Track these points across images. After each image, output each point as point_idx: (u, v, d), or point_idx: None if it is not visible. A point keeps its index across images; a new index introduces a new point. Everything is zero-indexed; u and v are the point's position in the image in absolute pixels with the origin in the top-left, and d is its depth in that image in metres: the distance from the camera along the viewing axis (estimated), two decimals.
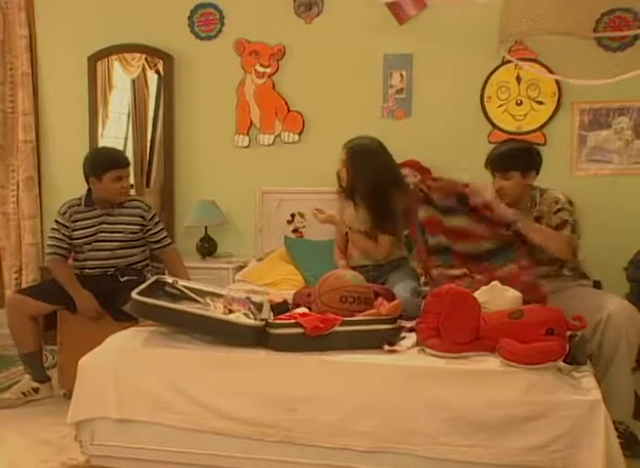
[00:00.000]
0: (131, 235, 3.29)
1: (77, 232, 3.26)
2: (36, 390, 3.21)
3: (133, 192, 4.45)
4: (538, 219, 2.78)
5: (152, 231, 3.37)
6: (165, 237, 3.43)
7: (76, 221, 3.26)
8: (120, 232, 3.27)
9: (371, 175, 3.17)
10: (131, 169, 3.50)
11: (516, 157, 2.83)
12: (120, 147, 4.59)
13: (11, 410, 3.11)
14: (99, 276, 3.27)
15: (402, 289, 2.85)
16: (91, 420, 2.36)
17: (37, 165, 4.50)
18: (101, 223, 3.27)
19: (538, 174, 2.87)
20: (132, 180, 4.54)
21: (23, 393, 3.19)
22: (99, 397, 2.33)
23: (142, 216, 3.33)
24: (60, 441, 2.71)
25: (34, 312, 3.17)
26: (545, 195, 2.84)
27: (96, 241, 3.26)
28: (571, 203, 2.80)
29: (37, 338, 3.20)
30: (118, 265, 3.29)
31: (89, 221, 3.26)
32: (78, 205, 3.29)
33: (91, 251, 3.27)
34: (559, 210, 2.76)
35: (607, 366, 2.49)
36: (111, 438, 2.35)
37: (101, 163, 3.24)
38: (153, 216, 3.38)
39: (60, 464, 2.56)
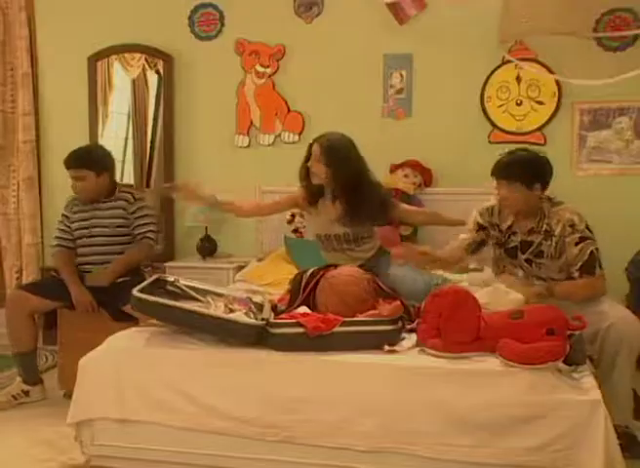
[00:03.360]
0: (118, 229, 3.29)
1: (75, 224, 3.32)
2: (27, 393, 3.20)
3: None
4: (546, 234, 2.68)
5: (134, 224, 3.31)
6: (143, 232, 3.30)
7: (75, 214, 3.33)
8: (106, 227, 3.28)
9: (353, 168, 3.09)
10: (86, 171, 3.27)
11: (521, 168, 2.67)
12: (120, 147, 4.60)
13: (11, 411, 3.11)
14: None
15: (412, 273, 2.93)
16: (91, 420, 2.36)
17: (37, 165, 4.50)
18: (92, 218, 3.30)
19: (545, 185, 2.69)
20: (132, 180, 4.57)
21: (13, 396, 3.18)
22: (99, 397, 2.33)
23: (124, 209, 3.30)
24: (60, 441, 2.71)
25: (33, 308, 3.18)
26: (555, 209, 2.69)
27: (90, 236, 3.29)
28: (587, 226, 2.62)
29: (33, 338, 3.20)
30: (105, 261, 3.28)
31: (84, 214, 3.31)
32: (78, 199, 3.37)
33: (84, 246, 3.31)
34: (581, 239, 2.59)
35: (607, 372, 2.48)
36: (112, 438, 2.35)
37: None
38: (137, 210, 3.31)
39: (61, 464, 2.56)
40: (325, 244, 3.20)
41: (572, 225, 2.62)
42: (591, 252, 2.60)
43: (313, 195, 3.16)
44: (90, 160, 3.26)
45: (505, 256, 2.84)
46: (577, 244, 2.61)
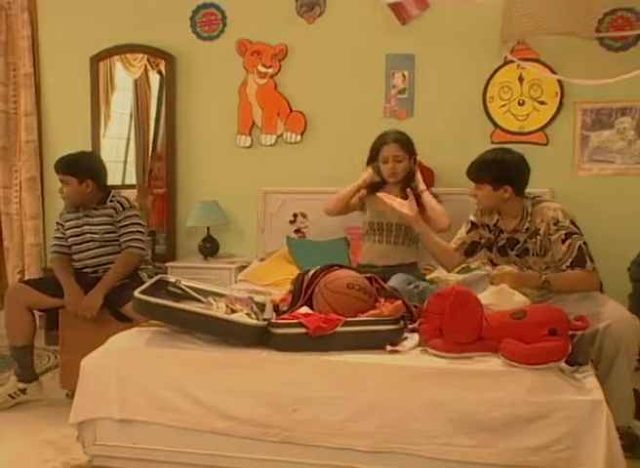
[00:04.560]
0: (107, 235, 3.31)
1: (69, 231, 3.36)
2: (23, 391, 3.19)
3: (134, 194, 4.47)
4: (530, 233, 2.69)
5: (119, 233, 3.31)
6: (127, 240, 3.28)
7: (67, 221, 3.39)
8: (96, 233, 3.31)
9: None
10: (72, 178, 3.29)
11: (487, 169, 2.72)
12: (122, 148, 4.61)
13: (13, 411, 3.11)
14: (94, 277, 3.26)
15: (398, 279, 2.91)
16: (93, 420, 2.36)
17: (40, 165, 4.51)
18: (84, 224, 3.33)
19: (517, 186, 2.71)
20: (134, 181, 4.58)
21: (10, 395, 3.17)
22: (101, 397, 2.33)
23: (111, 216, 3.31)
24: (62, 441, 2.72)
25: (32, 302, 3.20)
26: (539, 207, 2.70)
27: (83, 241, 3.32)
28: (573, 221, 2.63)
29: (30, 332, 3.21)
30: (101, 263, 3.30)
31: (75, 222, 3.36)
32: (72, 206, 3.42)
33: (79, 252, 3.34)
34: (567, 236, 2.59)
35: (606, 372, 2.47)
36: (113, 438, 2.35)
37: None
38: (123, 219, 3.31)
39: (63, 464, 2.57)
40: (377, 234, 3.31)
41: (556, 223, 2.63)
42: (579, 246, 2.60)
43: (375, 187, 3.34)
44: (74, 167, 3.29)
45: (498, 256, 2.86)
46: (563, 241, 2.61)
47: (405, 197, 3.04)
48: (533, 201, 2.74)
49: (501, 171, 2.70)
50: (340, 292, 2.44)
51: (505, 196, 2.71)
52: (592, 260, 2.62)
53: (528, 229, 2.71)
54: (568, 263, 2.61)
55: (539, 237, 2.68)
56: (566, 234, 2.61)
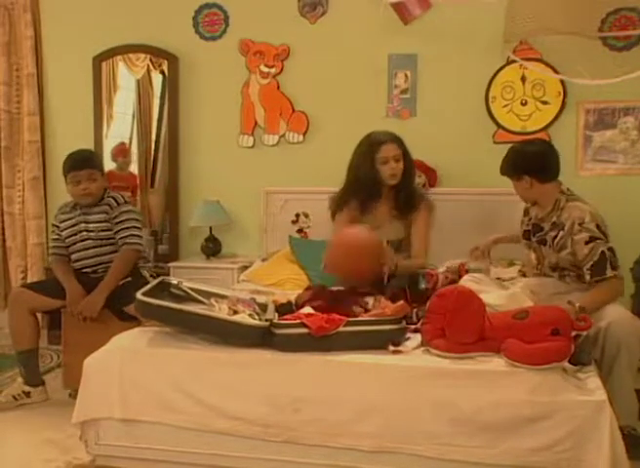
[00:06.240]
0: (102, 233, 3.29)
1: (65, 232, 3.35)
2: (27, 394, 3.19)
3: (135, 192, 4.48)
4: (554, 226, 2.70)
5: (115, 229, 3.29)
6: (124, 236, 3.27)
7: (62, 222, 3.38)
8: (92, 231, 3.30)
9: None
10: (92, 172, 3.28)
11: (504, 162, 2.78)
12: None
13: (16, 410, 3.12)
14: (95, 277, 3.26)
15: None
16: (96, 420, 2.36)
17: (42, 165, 4.51)
18: (81, 223, 3.32)
19: (536, 176, 2.70)
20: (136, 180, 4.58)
21: (14, 396, 3.17)
22: (103, 397, 2.33)
23: (107, 213, 3.30)
24: (65, 440, 2.72)
25: (35, 305, 3.21)
26: (570, 204, 2.69)
27: (81, 240, 3.31)
28: (599, 225, 2.60)
29: (35, 336, 3.21)
30: (100, 262, 3.30)
31: (71, 221, 3.34)
32: (66, 206, 3.42)
33: (76, 251, 3.33)
34: (591, 239, 2.57)
35: (608, 373, 2.47)
36: (116, 438, 2.35)
37: (64, 165, 3.33)
38: (118, 215, 3.29)
39: (66, 464, 2.57)
40: None
41: (581, 223, 2.62)
42: (602, 252, 2.58)
43: (369, 202, 3.19)
44: (98, 161, 3.34)
45: (524, 239, 2.90)
46: (587, 243, 2.59)
47: (400, 202, 3.06)
48: (567, 197, 2.74)
49: (515, 161, 2.74)
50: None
51: (527, 186, 2.72)
52: (615, 267, 2.59)
53: (554, 223, 2.71)
54: (588, 266, 2.60)
55: (561, 233, 2.68)
56: (590, 237, 2.59)
